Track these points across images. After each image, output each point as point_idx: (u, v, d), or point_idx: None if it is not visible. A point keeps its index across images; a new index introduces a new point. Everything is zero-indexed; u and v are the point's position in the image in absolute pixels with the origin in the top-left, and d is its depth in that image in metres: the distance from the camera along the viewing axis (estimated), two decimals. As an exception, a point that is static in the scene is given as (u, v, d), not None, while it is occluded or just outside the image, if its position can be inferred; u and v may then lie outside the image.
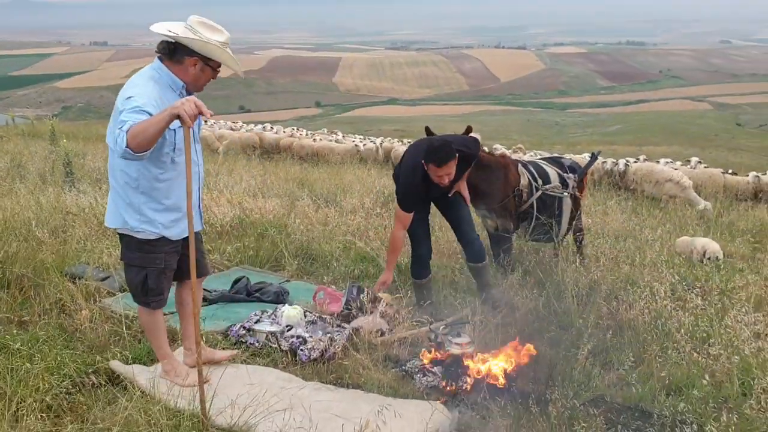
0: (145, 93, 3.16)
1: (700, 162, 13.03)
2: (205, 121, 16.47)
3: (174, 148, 3.28)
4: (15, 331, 4.11)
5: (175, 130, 3.22)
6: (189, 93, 3.42)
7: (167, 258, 3.52)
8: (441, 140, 4.66)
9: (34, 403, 3.18)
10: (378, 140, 17.04)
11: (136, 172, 3.30)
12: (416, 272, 5.09)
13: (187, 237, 3.31)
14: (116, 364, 3.81)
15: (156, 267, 3.49)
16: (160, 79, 3.30)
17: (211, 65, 3.37)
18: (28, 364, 3.55)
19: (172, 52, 3.31)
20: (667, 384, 3.74)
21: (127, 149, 2.92)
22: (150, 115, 3.03)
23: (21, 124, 23.78)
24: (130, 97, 3.12)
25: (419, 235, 5.03)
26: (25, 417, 3.02)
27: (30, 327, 4.33)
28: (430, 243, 5.14)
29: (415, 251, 5.10)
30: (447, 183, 4.54)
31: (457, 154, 4.48)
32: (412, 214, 4.76)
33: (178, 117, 2.93)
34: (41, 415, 3.11)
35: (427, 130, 5.32)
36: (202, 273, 3.78)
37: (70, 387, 3.51)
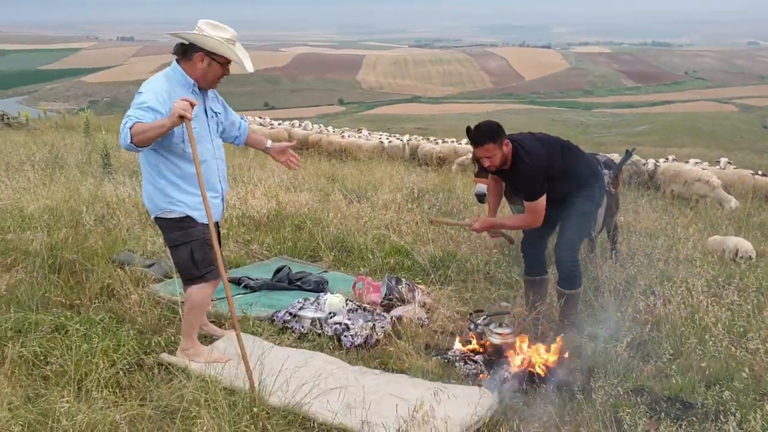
0: (154, 89, 3.51)
1: (729, 163, 12.94)
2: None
3: (183, 140, 3.55)
4: (68, 314, 4.28)
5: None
6: (201, 90, 3.72)
7: (204, 230, 3.71)
8: (486, 122, 4.42)
9: (98, 379, 3.32)
10: (405, 138, 17.17)
11: (156, 159, 3.63)
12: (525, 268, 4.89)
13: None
14: (166, 357, 3.88)
15: (198, 238, 3.73)
16: (173, 77, 3.63)
17: (217, 60, 3.63)
18: (86, 345, 3.70)
19: (185, 51, 3.64)
20: (707, 376, 3.79)
21: (131, 144, 3.28)
22: (153, 110, 3.37)
23: (52, 117, 24.28)
24: (140, 93, 3.50)
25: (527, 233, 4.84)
26: (91, 391, 3.16)
27: (82, 310, 4.49)
28: (538, 243, 4.76)
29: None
30: (489, 166, 4.34)
31: (493, 141, 4.20)
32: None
33: (181, 117, 3.21)
34: (106, 390, 3.25)
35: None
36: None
37: (128, 366, 3.65)
